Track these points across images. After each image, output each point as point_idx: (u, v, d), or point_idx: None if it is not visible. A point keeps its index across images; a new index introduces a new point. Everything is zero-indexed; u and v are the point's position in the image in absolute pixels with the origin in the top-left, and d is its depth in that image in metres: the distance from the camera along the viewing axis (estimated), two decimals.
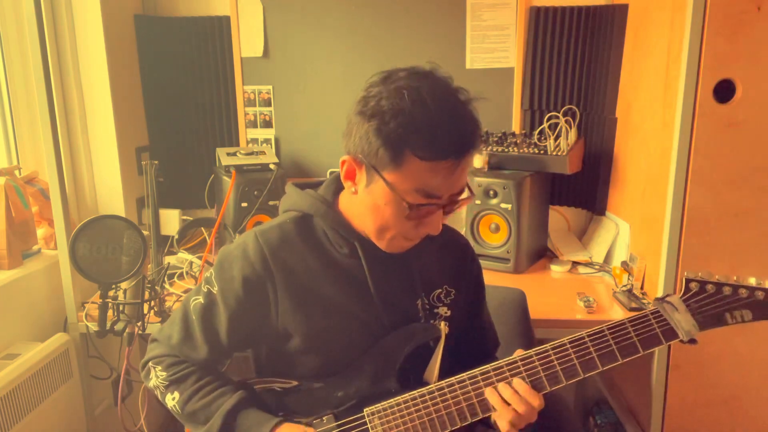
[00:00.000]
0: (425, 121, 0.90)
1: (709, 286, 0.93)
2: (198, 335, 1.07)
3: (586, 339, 0.94)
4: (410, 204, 0.93)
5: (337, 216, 1.06)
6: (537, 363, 0.95)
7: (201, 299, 1.07)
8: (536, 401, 0.94)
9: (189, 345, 1.08)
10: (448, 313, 1.12)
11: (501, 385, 0.95)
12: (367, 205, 0.99)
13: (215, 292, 1.06)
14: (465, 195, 0.99)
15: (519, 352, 0.98)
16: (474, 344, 1.21)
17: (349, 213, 1.06)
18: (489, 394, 0.96)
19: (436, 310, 1.11)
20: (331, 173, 1.14)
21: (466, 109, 0.94)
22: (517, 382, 0.95)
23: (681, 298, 0.93)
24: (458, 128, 0.92)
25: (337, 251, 1.06)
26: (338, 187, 1.10)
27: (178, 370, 1.08)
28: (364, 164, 0.96)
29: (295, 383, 1.07)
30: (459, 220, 2.14)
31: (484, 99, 0.96)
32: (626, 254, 1.96)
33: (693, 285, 0.93)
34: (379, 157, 0.92)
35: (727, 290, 0.92)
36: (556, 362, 0.95)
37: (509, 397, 0.94)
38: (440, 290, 1.12)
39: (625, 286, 1.82)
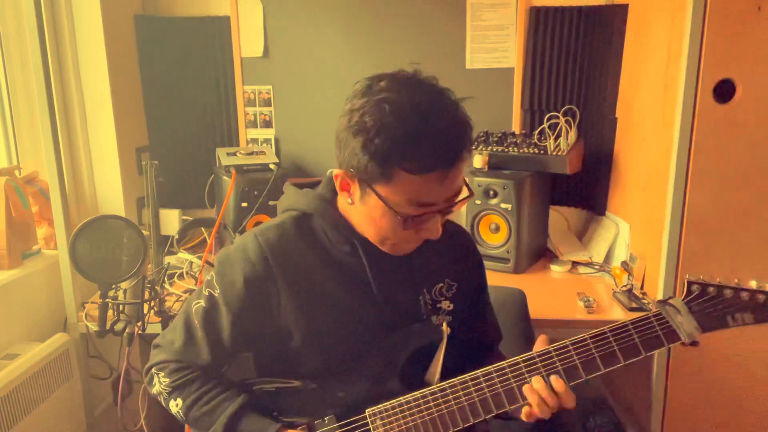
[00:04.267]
0: (409, 134, 0.88)
1: (711, 289, 0.93)
2: (201, 339, 1.06)
3: (589, 341, 0.95)
4: (405, 216, 0.93)
5: (337, 215, 1.07)
6: (540, 365, 0.95)
7: (203, 302, 1.07)
8: (572, 402, 0.94)
9: (192, 349, 1.07)
10: (451, 306, 1.11)
11: (536, 379, 0.95)
12: (364, 215, 1.00)
13: (216, 294, 1.05)
14: (463, 195, 0.97)
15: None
16: (476, 336, 1.21)
17: (348, 214, 1.06)
18: (527, 390, 0.95)
19: (438, 305, 1.11)
20: (331, 172, 1.13)
21: (452, 114, 0.91)
22: (554, 378, 0.94)
23: (683, 300, 0.93)
24: (444, 138, 0.89)
25: (338, 249, 1.06)
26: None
27: (181, 376, 1.07)
28: (356, 179, 0.96)
29: (296, 383, 1.07)
30: (459, 221, 2.13)
31: (473, 98, 0.94)
32: (626, 254, 1.96)
33: (695, 288, 0.94)
34: (369, 172, 0.92)
35: (728, 293, 0.92)
36: (558, 364, 0.95)
37: (545, 393, 0.94)
38: (442, 284, 1.12)
39: (625, 286, 1.82)
